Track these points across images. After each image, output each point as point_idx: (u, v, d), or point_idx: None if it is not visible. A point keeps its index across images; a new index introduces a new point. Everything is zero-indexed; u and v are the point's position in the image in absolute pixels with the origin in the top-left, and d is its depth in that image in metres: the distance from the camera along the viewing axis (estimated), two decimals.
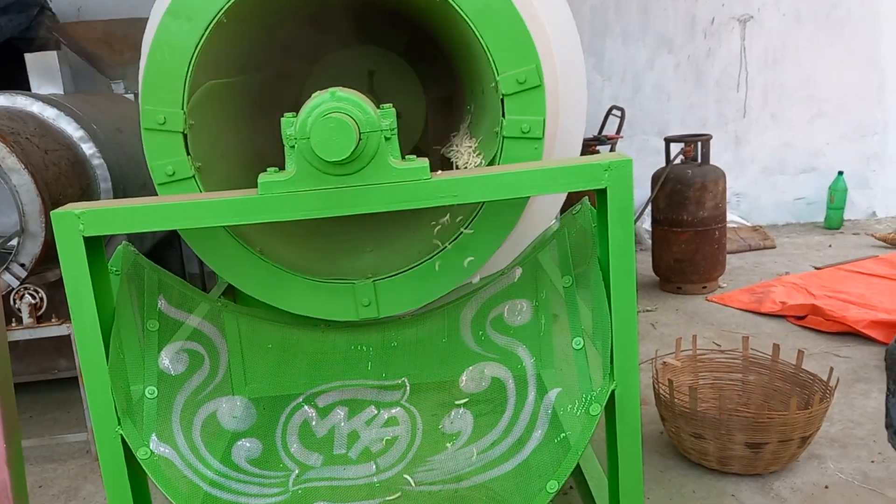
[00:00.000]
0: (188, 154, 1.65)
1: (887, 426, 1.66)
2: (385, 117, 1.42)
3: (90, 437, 2.84)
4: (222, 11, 1.58)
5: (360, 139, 1.38)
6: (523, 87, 1.58)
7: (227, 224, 1.59)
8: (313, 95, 1.43)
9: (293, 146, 1.42)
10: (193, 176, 1.66)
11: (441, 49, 2.11)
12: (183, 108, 1.62)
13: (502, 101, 1.59)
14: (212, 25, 1.59)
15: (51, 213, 1.44)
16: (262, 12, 1.74)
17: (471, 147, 1.78)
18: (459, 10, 1.56)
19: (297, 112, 1.42)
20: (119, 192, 3.19)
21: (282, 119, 1.42)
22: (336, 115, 1.37)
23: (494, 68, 1.57)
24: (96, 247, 1.51)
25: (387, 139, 1.42)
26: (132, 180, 3.32)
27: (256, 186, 1.44)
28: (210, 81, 1.71)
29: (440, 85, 2.34)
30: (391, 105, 1.44)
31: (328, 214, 1.46)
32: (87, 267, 1.46)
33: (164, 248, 4.34)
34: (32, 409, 3.40)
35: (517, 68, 1.57)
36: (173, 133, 1.64)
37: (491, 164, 1.65)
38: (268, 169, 1.48)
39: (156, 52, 1.61)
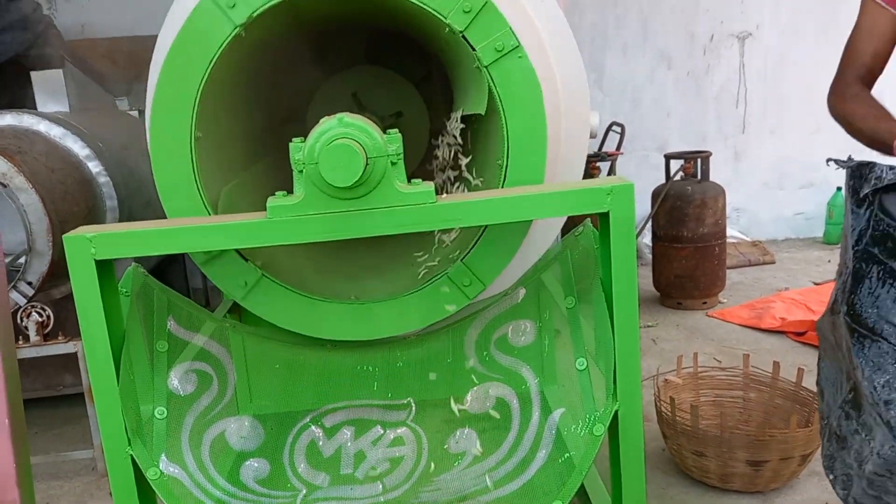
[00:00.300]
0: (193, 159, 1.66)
1: (817, 383, 1.79)
2: (391, 142, 1.44)
3: (96, 453, 2.86)
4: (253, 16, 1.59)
5: (367, 164, 1.41)
6: (472, 13, 1.59)
7: (236, 247, 1.62)
8: (321, 121, 1.45)
9: (301, 171, 1.45)
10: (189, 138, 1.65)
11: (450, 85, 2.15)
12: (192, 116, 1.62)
13: (465, 38, 1.61)
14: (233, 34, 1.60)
15: (63, 237, 1.47)
16: (280, 27, 1.76)
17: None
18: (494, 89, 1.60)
19: (304, 137, 1.45)
20: (124, 209, 3.22)
21: (290, 144, 1.45)
22: (344, 140, 1.40)
23: (507, 149, 1.62)
24: (107, 269, 1.54)
25: (393, 164, 1.45)
26: (137, 198, 3.35)
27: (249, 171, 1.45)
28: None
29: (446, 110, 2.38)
30: (397, 130, 1.47)
31: (335, 238, 1.49)
32: (98, 290, 1.49)
33: (169, 264, 4.37)
34: (38, 424, 3.42)
35: (528, 165, 1.62)
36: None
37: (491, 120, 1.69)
38: (276, 193, 1.50)
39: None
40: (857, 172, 1.56)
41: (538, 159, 1.64)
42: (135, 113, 4.24)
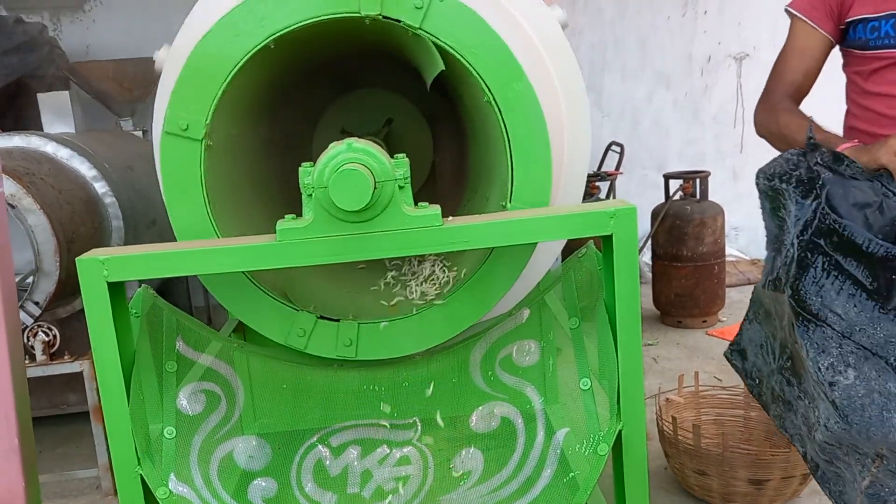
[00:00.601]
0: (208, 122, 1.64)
1: (736, 342, 1.96)
2: (398, 167, 1.47)
3: (101, 472, 2.87)
4: (272, 37, 1.59)
5: (375, 188, 1.44)
6: (532, 203, 1.65)
7: (246, 269, 1.64)
8: (330, 146, 1.48)
9: (310, 194, 1.48)
10: (202, 139, 1.64)
11: (458, 116, 2.17)
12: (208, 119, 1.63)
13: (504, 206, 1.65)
14: (259, 47, 1.61)
15: (76, 259, 1.49)
16: (301, 47, 1.79)
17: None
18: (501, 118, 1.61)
19: (313, 161, 1.48)
20: (130, 229, 3.26)
21: (300, 169, 1.48)
22: (353, 165, 1.43)
23: (511, 182, 1.63)
24: (118, 291, 1.56)
25: (400, 188, 1.48)
26: (142, 218, 3.38)
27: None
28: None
29: (450, 143, 2.41)
30: (404, 155, 1.50)
31: (344, 260, 1.52)
32: (110, 311, 1.51)
33: (171, 282, 4.40)
34: (42, 443, 3.43)
35: (531, 190, 1.64)
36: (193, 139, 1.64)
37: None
38: (285, 216, 1.53)
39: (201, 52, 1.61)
40: (806, 158, 1.66)
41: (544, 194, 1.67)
42: (139, 133, 4.28)
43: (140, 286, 1.74)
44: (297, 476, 1.70)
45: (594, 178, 4.89)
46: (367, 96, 2.48)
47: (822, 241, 1.62)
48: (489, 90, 1.59)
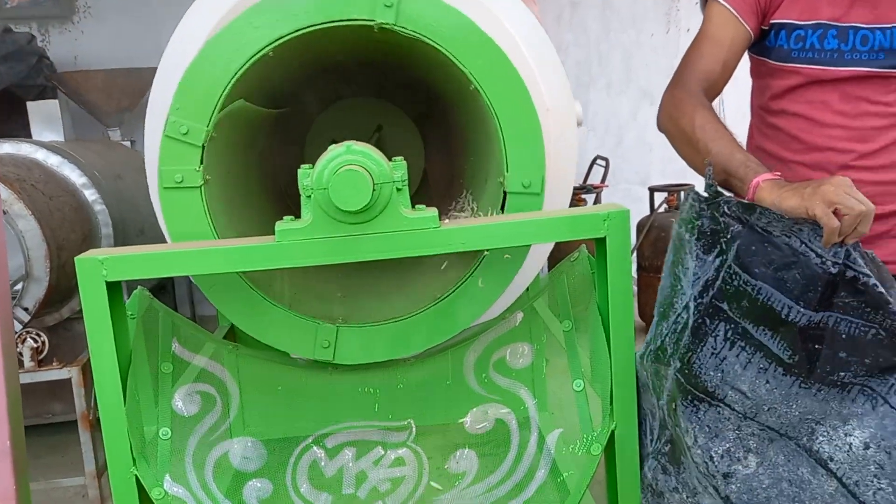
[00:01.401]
0: (201, 164, 1.64)
1: None
2: (396, 169, 1.50)
3: (87, 480, 2.85)
4: (270, 47, 1.61)
5: (374, 189, 1.46)
6: (527, 191, 1.65)
7: (245, 270, 1.65)
8: (329, 149, 1.51)
9: (310, 196, 1.50)
10: (201, 187, 1.65)
11: (447, 115, 2.20)
12: (209, 124, 1.64)
13: (504, 194, 1.66)
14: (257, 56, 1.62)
15: (75, 259, 1.50)
16: (299, 54, 1.81)
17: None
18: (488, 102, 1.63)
19: (312, 164, 1.50)
20: (119, 236, 3.26)
21: (298, 171, 1.50)
22: (352, 167, 1.45)
23: (506, 164, 1.64)
24: (116, 292, 1.57)
25: (398, 190, 1.50)
26: (132, 226, 3.38)
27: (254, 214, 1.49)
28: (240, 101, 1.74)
29: (441, 144, 2.44)
30: (402, 158, 1.52)
31: (342, 261, 1.54)
32: (108, 311, 1.52)
33: (157, 293, 4.38)
34: (27, 452, 3.39)
35: (525, 174, 1.64)
36: (193, 145, 1.63)
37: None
38: (284, 217, 1.55)
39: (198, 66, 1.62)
40: (709, 207, 1.36)
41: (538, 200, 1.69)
42: (127, 143, 4.28)
43: (137, 288, 1.75)
44: (292, 477, 1.71)
45: (580, 190, 4.95)
46: (358, 105, 2.51)
47: (725, 306, 1.34)
48: (474, 77, 1.60)
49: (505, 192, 1.65)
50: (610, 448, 1.59)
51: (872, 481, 1.28)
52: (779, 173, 1.40)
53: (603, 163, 5.26)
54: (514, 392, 1.77)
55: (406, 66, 2.01)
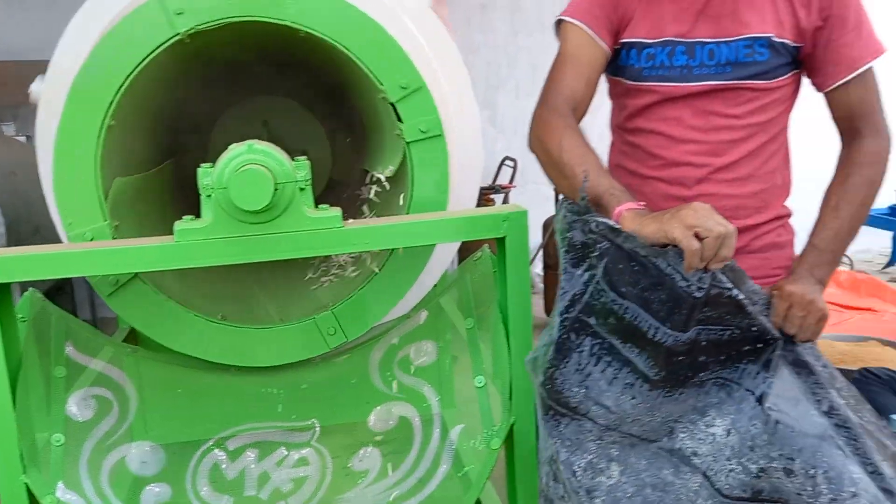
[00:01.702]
0: (105, 220, 1.64)
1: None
2: (299, 169, 1.50)
3: None
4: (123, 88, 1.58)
5: (276, 189, 1.45)
6: (407, 91, 1.66)
7: (142, 271, 1.62)
8: (230, 147, 1.49)
9: (210, 195, 1.48)
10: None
11: (341, 92, 2.22)
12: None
13: (394, 107, 1.66)
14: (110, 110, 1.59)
15: None
16: (163, 80, 1.79)
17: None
18: (339, 44, 1.64)
19: (213, 163, 1.48)
20: (13, 235, 3.12)
21: (198, 170, 1.48)
22: (253, 166, 1.44)
23: (377, 81, 1.64)
24: (4, 294, 1.52)
25: (301, 189, 1.50)
26: (25, 225, 3.24)
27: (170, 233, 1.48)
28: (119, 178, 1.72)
29: (345, 127, 2.44)
30: (306, 157, 1.52)
31: (244, 261, 1.53)
32: None
33: (55, 295, 4.21)
34: None
35: (398, 77, 1.65)
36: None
37: (400, 169, 1.76)
38: (183, 217, 1.53)
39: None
40: (579, 220, 1.34)
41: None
42: (22, 138, 4.10)
43: (28, 290, 1.69)
44: (192, 481, 1.69)
45: (489, 190, 5.02)
46: (264, 103, 2.48)
47: (592, 321, 1.31)
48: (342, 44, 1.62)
49: (407, 143, 1.67)
50: (509, 442, 1.63)
51: (725, 464, 1.28)
52: (643, 203, 1.37)
53: (511, 163, 5.36)
54: (417, 390, 1.79)
55: (307, 63, 2.02)
